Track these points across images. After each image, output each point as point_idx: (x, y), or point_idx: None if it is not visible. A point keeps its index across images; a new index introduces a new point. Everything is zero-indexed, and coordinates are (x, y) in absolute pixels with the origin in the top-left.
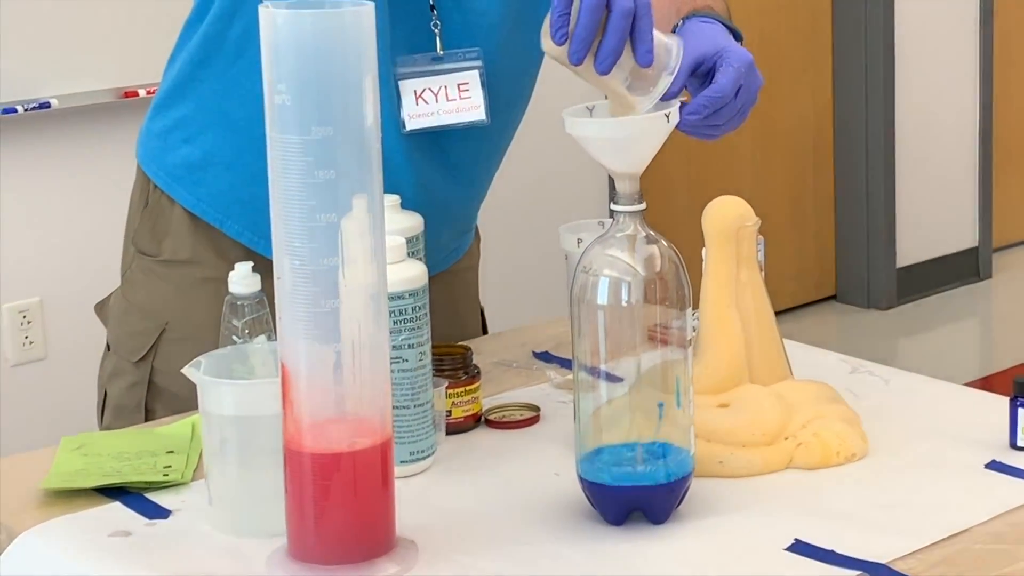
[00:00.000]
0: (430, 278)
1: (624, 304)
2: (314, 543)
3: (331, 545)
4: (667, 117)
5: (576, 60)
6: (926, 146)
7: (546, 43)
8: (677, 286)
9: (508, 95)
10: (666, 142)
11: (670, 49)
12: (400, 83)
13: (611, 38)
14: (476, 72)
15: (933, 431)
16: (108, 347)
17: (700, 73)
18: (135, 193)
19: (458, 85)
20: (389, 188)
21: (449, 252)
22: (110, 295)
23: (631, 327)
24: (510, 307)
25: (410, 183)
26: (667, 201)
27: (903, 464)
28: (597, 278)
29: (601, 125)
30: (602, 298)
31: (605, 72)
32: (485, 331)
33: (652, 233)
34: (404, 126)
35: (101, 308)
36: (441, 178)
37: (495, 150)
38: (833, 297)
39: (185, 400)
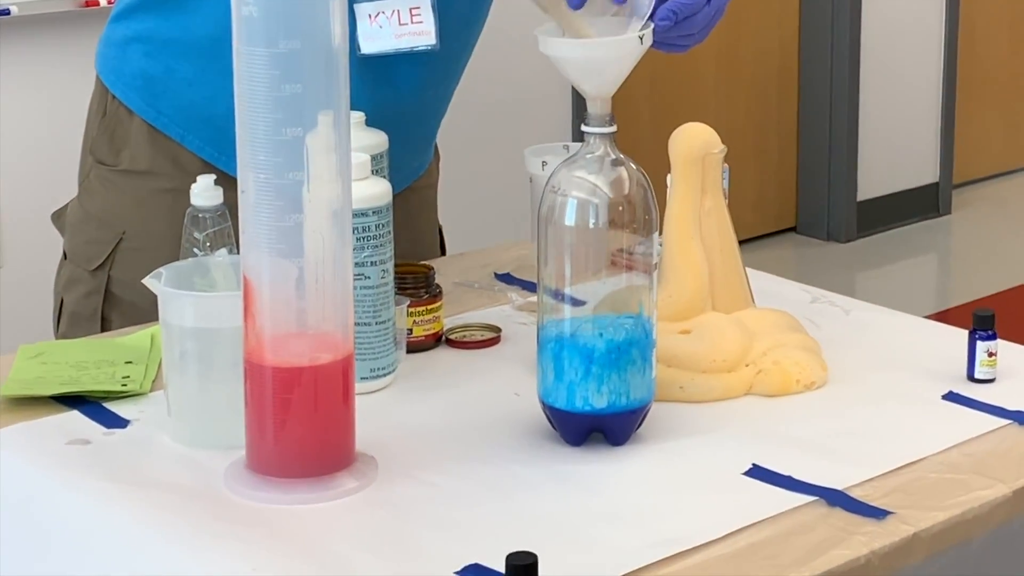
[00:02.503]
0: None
1: (591, 226)
2: (273, 456)
3: (290, 459)
4: (641, 39)
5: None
6: (891, 79)
7: None
8: (645, 210)
9: (460, 20)
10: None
11: None
12: (355, 6)
13: None
14: None
15: (892, 362)
16: (64, 256)
17: None
18: (93, 102)
19: (410, 9)
20: None
21: (407, 171)
22: (67, 204)
23: (597, 250)
24: (472, 229)
25: (365, 103)
26: (630, 127)
27: (861, 393)
28: (566, 199)
29: (576, 45)
30: (570, 219)
31: (578, 6)
32: (443, 251)
33: (621, 156)
34: (359, 49)
35: (58, 217)
36: (395, 101)
37: (448, 75)
38: (793, 229)
39: (142, 310)
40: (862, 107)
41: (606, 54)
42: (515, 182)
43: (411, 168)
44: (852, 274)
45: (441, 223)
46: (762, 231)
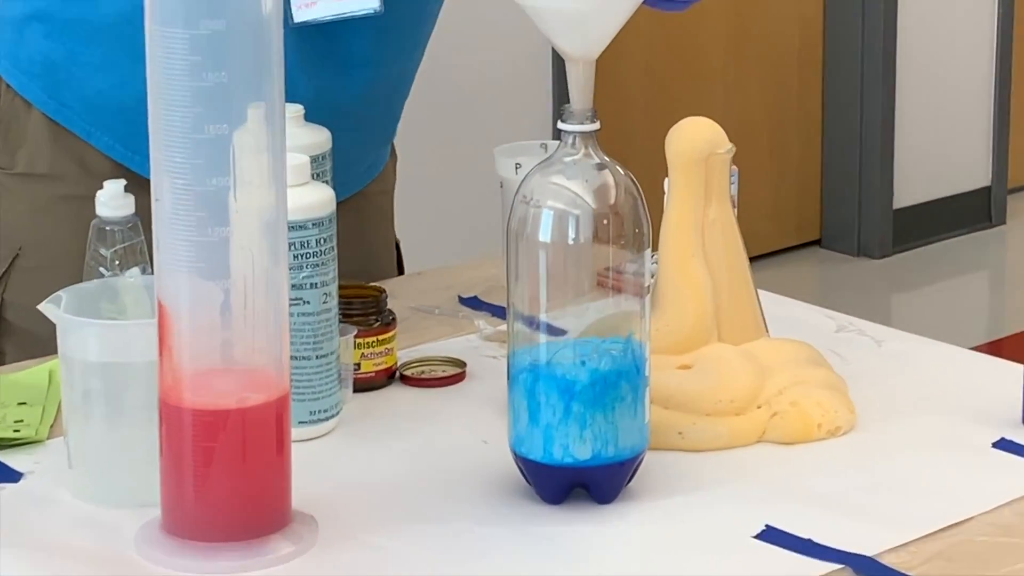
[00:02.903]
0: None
1: (571, 242)
2: (194, 516)
3: (214, 519)
4: None
5: None
6: (933, 65)
7: None
8: (635, 222)
9: None
10: (622, 50)
11: None
12: None
13: None
14: None
15: (933, 403)
16: None
17: None
18: None
19: None
20: None
21: (357, 172)
22: None
23: (578, 270)
24: (433, 243)
25: (305, 88)
26: (622, 122)
27: (896, 440)
28: (539, 210)
29: None
30: (544, 234)
31: None
32: (401, 270)
33: (607, 159)
34: (292, 18)
35: None
36: (340, 82)
37: (404, 50)
38: (817, 242)
39: (41, 340)
40: (899, 95)
41: (591, 5)
42: (484, 188)
43: (361, 170)
44: (887, 296)
45: (398, 237)
46: (779, 245)
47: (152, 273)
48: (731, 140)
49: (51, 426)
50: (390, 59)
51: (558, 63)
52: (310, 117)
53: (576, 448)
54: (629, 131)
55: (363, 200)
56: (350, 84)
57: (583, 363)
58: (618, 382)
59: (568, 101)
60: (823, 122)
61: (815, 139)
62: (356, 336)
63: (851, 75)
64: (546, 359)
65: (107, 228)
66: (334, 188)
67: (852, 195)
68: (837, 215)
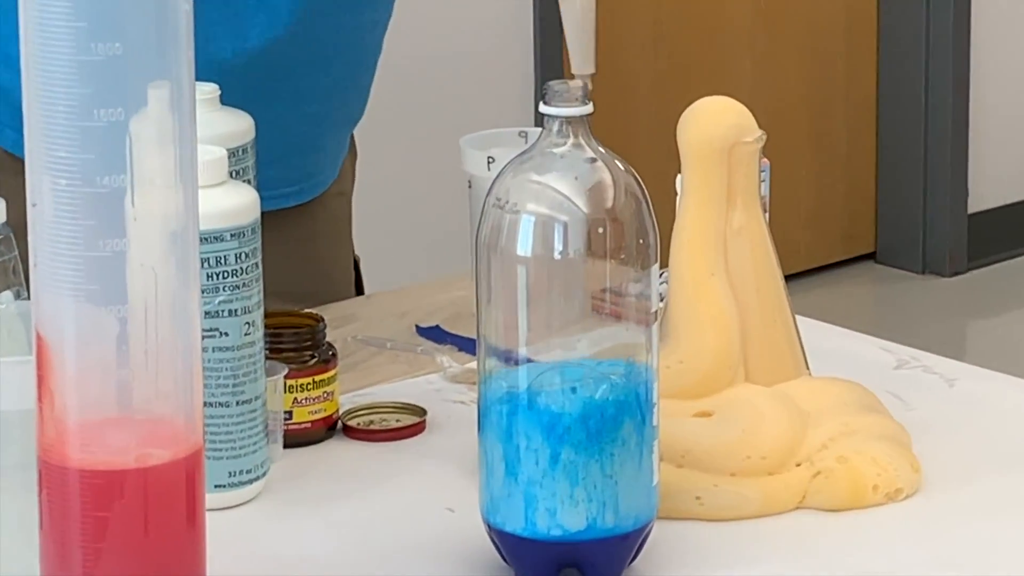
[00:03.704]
0: (274, 212)
1: (557, 256)
2: None
3: None
4: None
5: None
6: (1017, 33)
7: None
8: (639, 231)
9: None
10: (624, 11)
11: None
12: None
13: None
14: None
15: (1018, 458)
16: None
17: None
18: None
19: None
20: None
21: (304, 173)
22: None
23: (567, 292)
24: (385, 258)
25: (219, 68)
26: (622, 104)
27: (971, 506)
28: (517, 216)
29: None
30: (524, 246)
31: None
32: (360, 290)
33: (603, 151)
34: None
35: None
36: (268, 49)
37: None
38: (871, 256)
39: None
40: (974, 72)
41: None
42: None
43: (311, 169)
44: (959, 323)
45: (357, 254)
46: (823, 260)
47: (28, 298)
48: (761, 126)
49: None
50: (325, 14)
51: (543, 28)
52: (239, 90)
53: (566, 514)
54: (631, 115)
55: (317, 205)
56: (279, 51)
57: (573, 390)
58: (619, 418)
59: (555, 77)
60: (878, 105)
61: (868, 126)
62: (287, 377)
63: (914, 45)
64: (526, 385)
65: None
66: (277, 192)
67: (915, 197)
68: (896, 222)
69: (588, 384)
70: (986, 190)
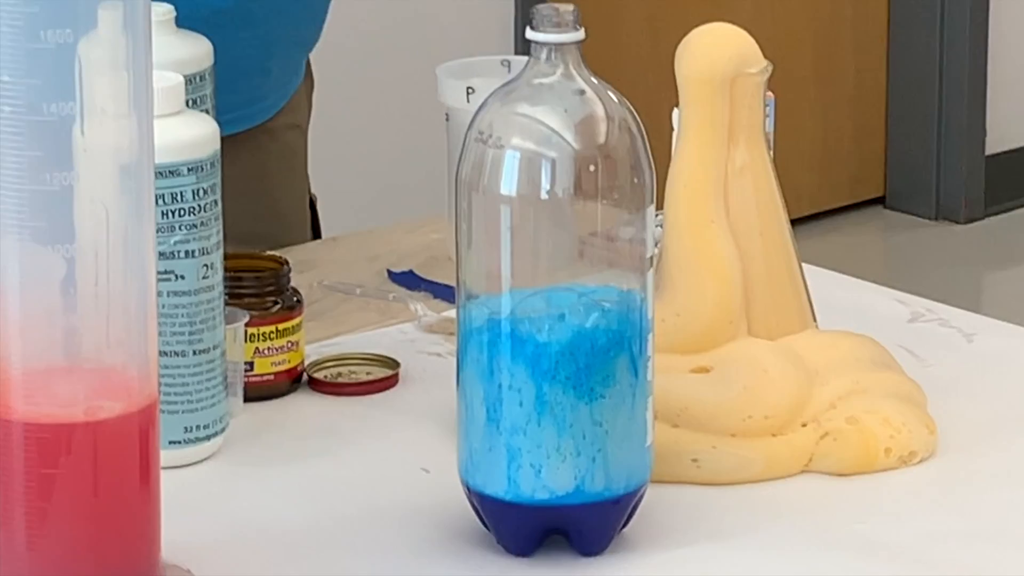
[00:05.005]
0: (224, 140)
1: (544, 196)
2: (27, 568)
3: (56, 572)
4: None
5: None
6: None
7: None
8: (633, 169)
9: None
10: None
11: None
12: None
13: None
14: None
15: None
16: None
17: None
18: None
19: None
20: None
21: (247, 98)
22: None
23: (554, 235)
24: (354, 198)
25: None
26: (614, 31)
27: (990, 470)
28: (501, 152)
29: None
30: (508, 185)
31: None
32: (317, 232)
33: (595, 80)
34: None
35: None
36: None
37: None
38: (881, 200)
39: None
40: (994, 4)
41: None
42: (423, 121)
43: (263, 94)
44: (977, 273)
45: (313, 192)
46: (831, 204)
47: None
48: (766, 56)
49: None
50: None
51: None
52: (180, 9)
53: (552, 473)
54: (624, 43)
55: (266, 137)
56: None
57: (562, 317)
58: (611, 352)
59: (541, 0)
60: (888, 36)
61: (878, 59)
62: (248, 324)
63: None
64: (509, 311)
65: None
66: (220, 117)
67: (928, 137)
68: (908, 164)
69: (578, 311)
70: (1006, 129)
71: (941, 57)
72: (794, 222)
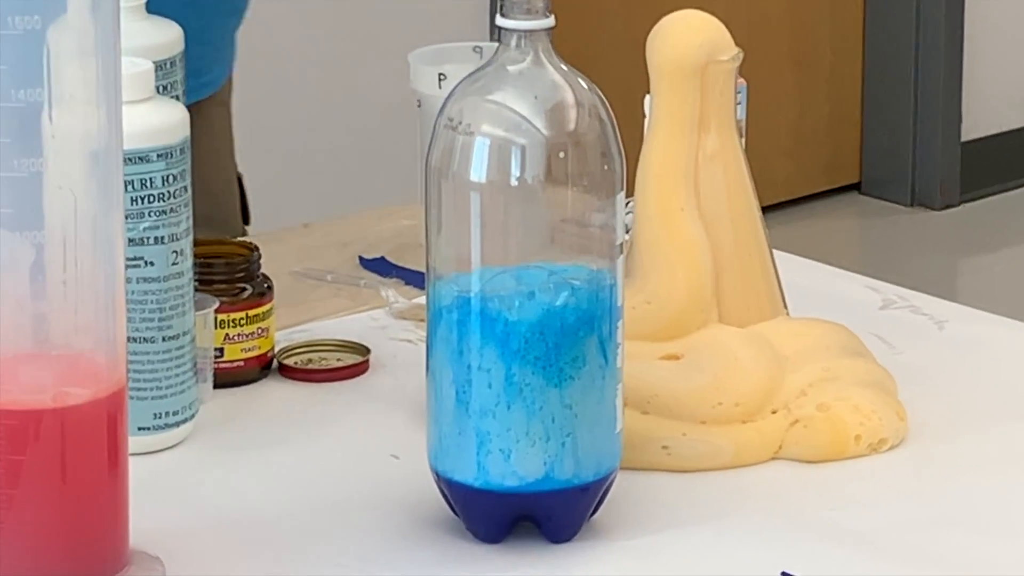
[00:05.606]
0: None
1: (514, 183)
2: None
3: (22, 560)
4: None
5: None
6: None
7: None
8: (603, 156)
9: None
10: None
11: None
12: None
13: None
14: None
15: (1012, 406)
16: None
17: None
18: None
19: None
20: None
21: (202, 70)
22: None
23: (524, 221)
24: (325, 184)
25: None
26: (586, 17)
27: (961, 458)
28: (471, 139)
29: None
30: (478, 172)
31: None
32: (245, 216)
33: (565, 68)
34: None
35: None
36: None
37: None
38: (856, 187)
39: None
40: None
41: None
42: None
43: (206, 66)
44: (951, 261)
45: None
46: (805, 191)
47: None
48: (738, 43)
49: None
50: None
51: None
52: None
53: (521, 458)
54: (596, 29)
55: (195, 114)
56: None
57: (532, 295)
58: (580, 332)
59: None
60: (864, 21)
61: (854, 44)
62: (218, 311)
63: None
64: (478, 288)
65: None
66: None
67: (904, 123)
68: (883, 150)
69: (548, 289)
70: (981, 116)
71: (917, 43)
72: (769, 208)
